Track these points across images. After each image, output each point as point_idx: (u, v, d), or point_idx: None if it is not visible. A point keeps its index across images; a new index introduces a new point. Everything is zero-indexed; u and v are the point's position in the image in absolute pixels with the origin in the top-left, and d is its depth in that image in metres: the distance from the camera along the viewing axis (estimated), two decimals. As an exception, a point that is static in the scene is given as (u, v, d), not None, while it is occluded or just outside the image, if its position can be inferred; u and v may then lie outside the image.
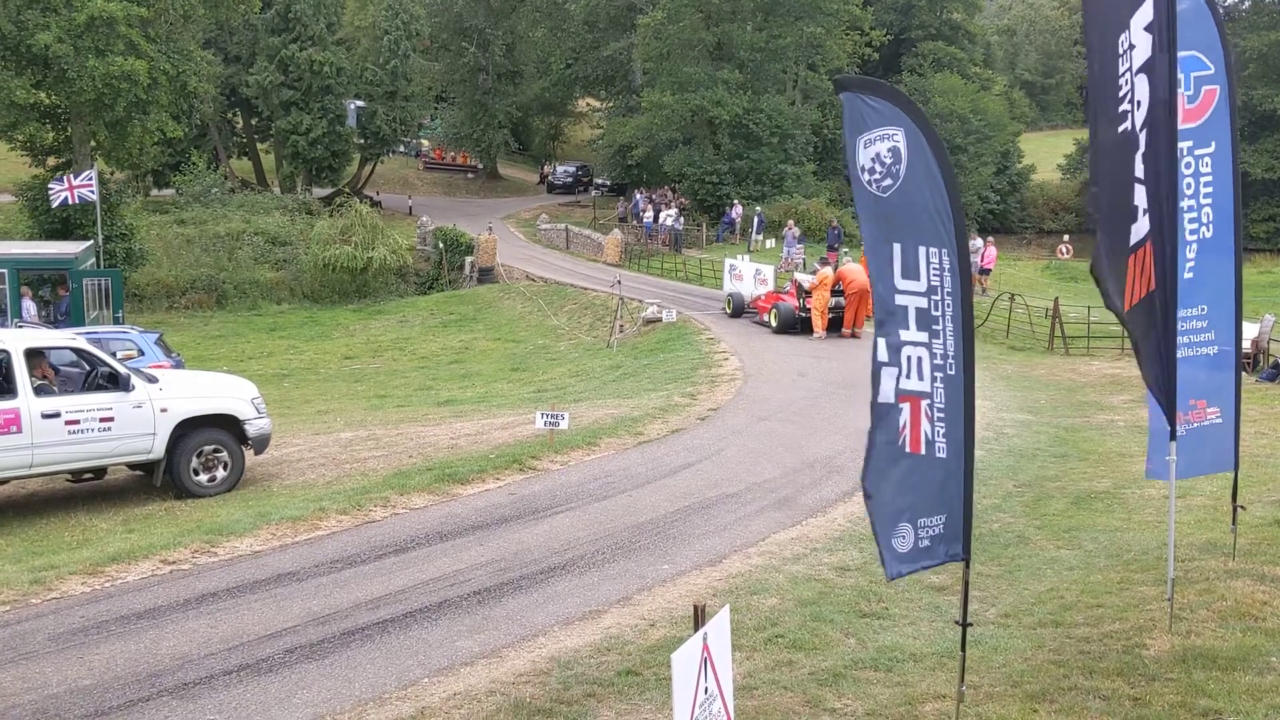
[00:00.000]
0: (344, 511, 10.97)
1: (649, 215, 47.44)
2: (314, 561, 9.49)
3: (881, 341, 5.50)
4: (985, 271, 32.09)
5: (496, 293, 38.93)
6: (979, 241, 32.75)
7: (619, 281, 30.02)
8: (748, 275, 30.76)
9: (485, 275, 41.59)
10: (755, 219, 43.46)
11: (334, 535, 10.33)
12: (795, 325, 24.41)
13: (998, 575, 8.78)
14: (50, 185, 29.85)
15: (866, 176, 5.42)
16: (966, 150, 51.34)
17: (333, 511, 10.94)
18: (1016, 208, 63.03)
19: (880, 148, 5.36)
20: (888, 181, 5.37)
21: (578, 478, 12.53)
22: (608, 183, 63.39)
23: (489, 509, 11.19)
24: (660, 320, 27.30)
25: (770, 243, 41.38)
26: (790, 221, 39.65)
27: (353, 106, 52.63)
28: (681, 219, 46.09)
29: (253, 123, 57.82)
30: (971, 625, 5.77)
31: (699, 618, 4.39)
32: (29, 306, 22.85)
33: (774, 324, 24.89)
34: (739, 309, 27.56)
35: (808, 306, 24.29)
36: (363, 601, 8.47)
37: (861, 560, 9.34)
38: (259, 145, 59.35)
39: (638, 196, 52.73)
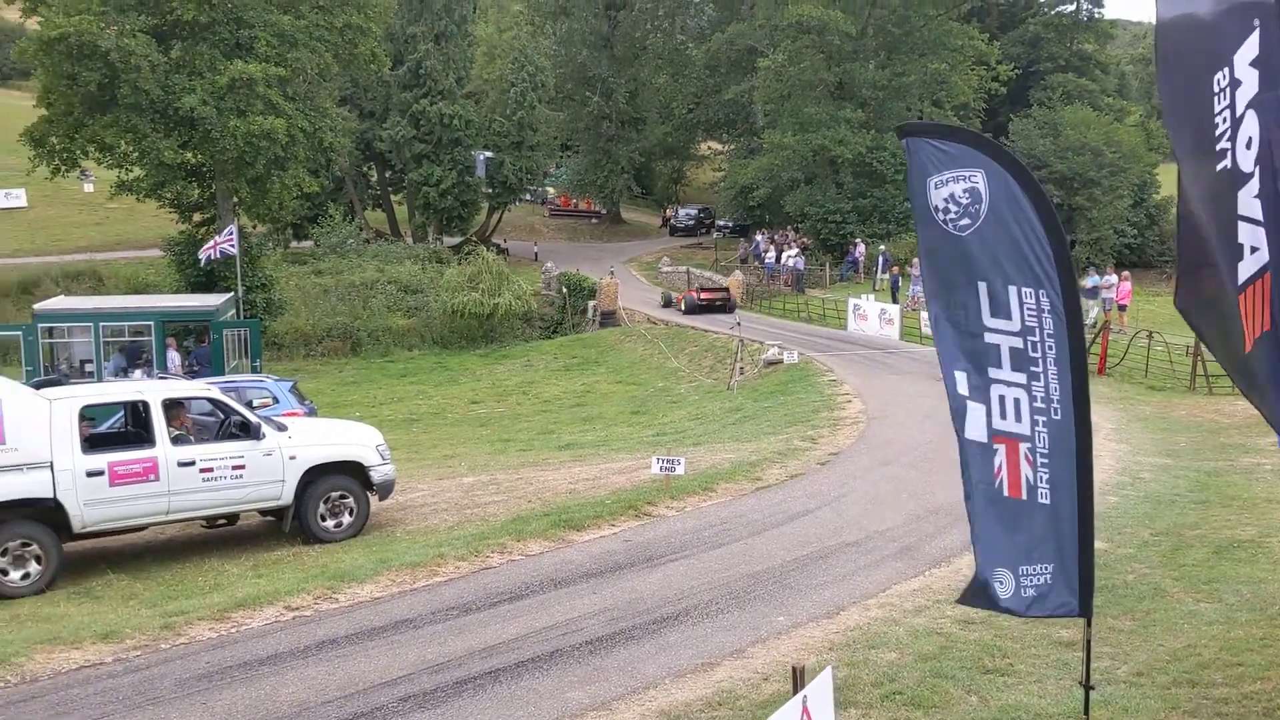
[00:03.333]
0: (462, 558, 11.09)
1: (771, 256, 47.24)
2: (431, 608, 9.60)
3: (962, 376, 5.39)
4: (1122, 308, 30.95)
5: (618, 336, 39.21)
6: (1113, 277, 31.63)
7: (739, 323, 29.92)
8: (873, 315, 30.33)
9: (607, 319, 41.94)
10: (880, 258, 42.88)
11: (452, 582, 10.45)
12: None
13: (1131, 630, 8.35)
14: (204, 250, 31.27)
15: (941, 216, 5.40)
16: (1100, 184, 49.75)
17: (451, 558, 11.07)
18: (1155, 241, 60.74)
19: (955, 188, 5.31)
20: (965, 221, 5.30)
21: (693, 524, 12.43)
22: (729, 224, 63.46)
23: (604, 556, 11.18)
24: (781, 362, 27.08)
25: (883, 276, 40.77)
26: (915, 259, 38.97)
27: (481, 157, 53.95)
28: (803, 259, 45.77)
29: (386, 175, 59.74)
30: (1094, 687, 5.48)
31: (798, 680, 4.26)
32: (173, 357, 23.91)
33: None
34: None
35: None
36: (476, 650, 8.52)
37: (986, 613, 8.99)
38: (392, 197, 61.27)
39: (759, 237, 52.58)
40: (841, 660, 8.04)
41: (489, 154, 54.42)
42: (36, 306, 25.89)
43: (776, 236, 51.57)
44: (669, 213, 70.75)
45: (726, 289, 41.22)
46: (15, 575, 11.47)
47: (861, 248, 46.07)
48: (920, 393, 21.66)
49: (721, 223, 64.50)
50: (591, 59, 60.81)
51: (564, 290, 44.94)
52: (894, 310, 31.25)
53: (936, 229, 5.42)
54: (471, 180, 53.97)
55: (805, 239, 50.98)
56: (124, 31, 33.23)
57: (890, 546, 11.48)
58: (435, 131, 52.65)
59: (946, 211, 5.36)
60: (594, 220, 68.94)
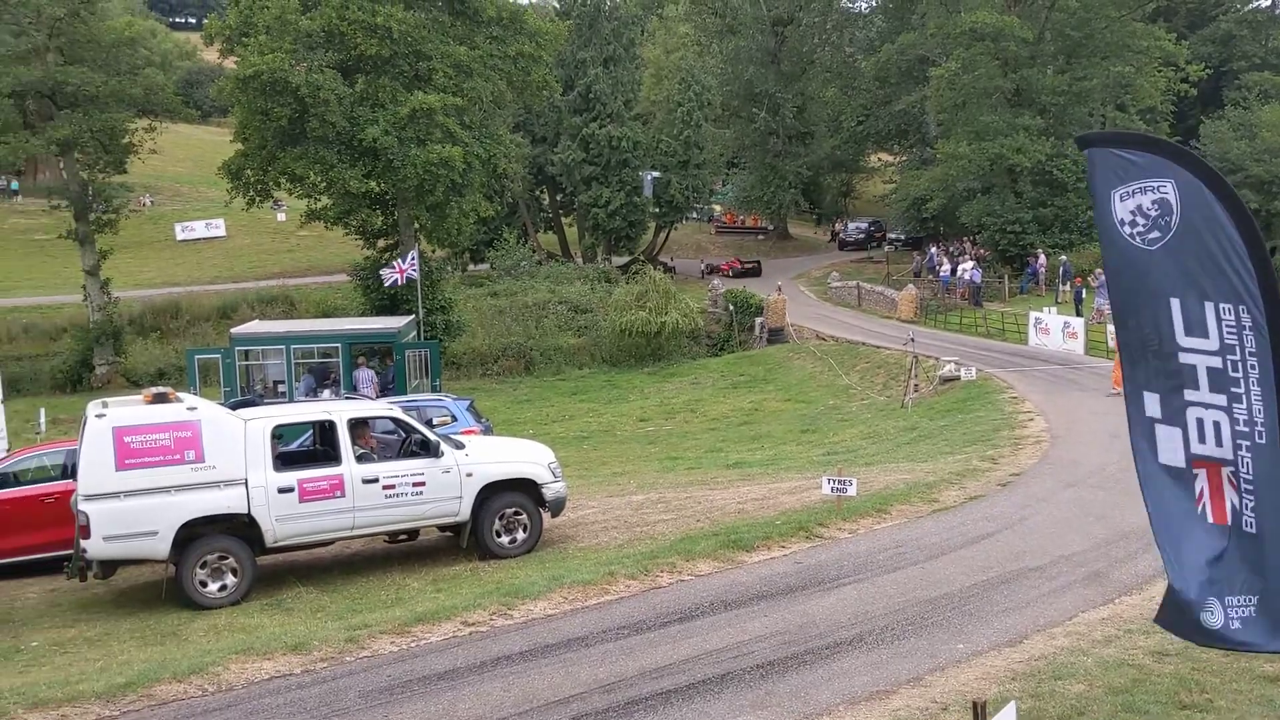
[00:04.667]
0: (632, 576, 11.12)
1: (945, 268, 46.07)
2: (602, 627, 9.65)
3: (1151, 398, 5.07)
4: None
5: (786, 353, 38.87)
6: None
7: (913, 339, 29.21)
8: (1055, 329, 29.16)
9: (775, 335, 41.65)
10: (1061, 269, 41.23)
11: (622, 600, 10.48)
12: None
13: (1348, 669, 7.70)
14: (383, 270, 32.57)
15: (1128, 230, 5.08)
16: (1307, 187, 46.73)
17: (621, 576, 11.11)
18: (1367, 244, 56.62)
19: (1142, 200, 4.99)
20: (1154, 234, 4.98)
21: (867, 547, 12.14)
22: (902, 237, 62.26)
23: (774, 578, 11.03)
24: (958, 378, 26.28)
25: (1065, 288, 39.16)
26: (1099, 270, 37.31)
27: (649, 177, 54.56)
28: (980, 271, 44.43)
29: (557, 198, 61.03)
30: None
31: (980, 714, 4.07)
32: (368, 376, 24.87)
33: None
34: None
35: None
36: (648, 670, 8.51)
37: (1182, 644, 8.45)
38: (563, 219, 62.56)
39: (933, 250, 51.35)
40: (1025, 691, 7.68)
41: (656, 174, 54.96)
42: (233, 330, 27.41)
43: (951, 248, 50.27)
44: (838, 227, 69.93)
45: (757, 261, 40.35)
46: (213, 587, 12.12)
47: (1042, 259, 44.42)
48: (1107, 410, 20.63)
49: (893, 236, 63.35)
50: (758, 75, 60.74)
51: (731, 307, 44.88)
52: (1078, 324, 29.96)
53: (1122, 244, 5.13)
54: (639, 200, 54.61)
55: (982, 250, 49.52)
56: (312, 68, 35.01)
57: (1077, 572, 10.94)
58: (604, 154, 53.52)
59: (1133, 225, 5.07)
60: (761, 236, 68.72)
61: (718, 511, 14.76)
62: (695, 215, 67.01)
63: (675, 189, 55.57)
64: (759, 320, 43.13)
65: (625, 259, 56.44)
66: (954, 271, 45.09)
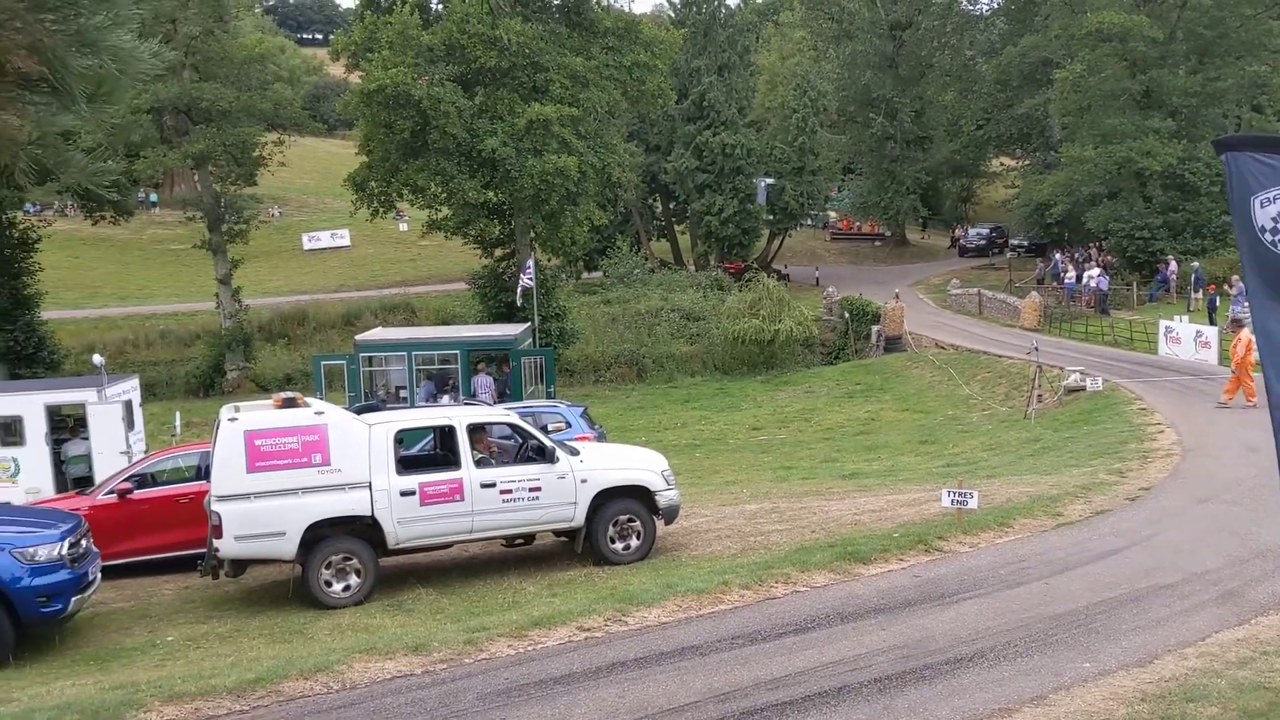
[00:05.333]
0: (746, 586, 11.07)
1: (1070, 275, 44.75)
2: (716, 636, 9.63)
3: None
4: None
5: (904, 361, 38.24)
6: None
7: (1037, 347, 28.44)
8: (1187, 338, 28.11)
9: (892, 344, 41.02)
10: (1193, 275, 39.67)
11: (736, 610, 10.44)
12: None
13: None
14: (521, 283, 33.09)
15: (1269, 237, 4.86)
16: None
17: (735, 585, 11.07)
18: None
19: None
20: None
21: (988, 561, 11.86)
22: (1024, 243, 60.74)
23: (891, 591, 10.85)
24: (1084, 389, 25.49)
25: (1197, 296, 37.65)
26: (1234, 277, 35.79)
27: (762, 184, 54.35)
28: (1107, 278, 43.04)
29: (670, 206, 61.22)
30: None
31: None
32: (487, 382, 25.32)
33: None
34: None
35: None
36: (763, 680, 8.45)
37: (1326, 670, 8.07)
38: (676, 227, 62.70)
39: (1057, 256, 49.95)
40: (1155, 714, 7.42)
41: (770, 180, 54.72)
42: (358, 337, 28.20)
43: (1076, 255, 48.83)
44: (958, 233, 68.61)
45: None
46: (337, 587, 12.47)
47: (1173, 265, 42.80)
48: (1243, 422, 19.78)
49: (1015, 242, 61.87)
50: (875, 80, 60.01)
51: (846, 315, 44.38)
52: (1211, 333, 28.76)
53: (1264, 251, 4.91)
54: (753, 207, 54.45)
55: (1108, 257, 47.99)
56: (434, 81, 35.82)
57: (1210, 591, 10.51)
58: (717, 161, 53.51)
59: (1275, 232, 4.85)
60: (878, 243, 67.82)
61: (833, 523, 14.60)
62: (810, 222, 66.46)
63: (789, 195, 55.25)
64: (875, 328, 42.54)
65: (738, 266, 56.35)
66: (1079, 279, 43.77)
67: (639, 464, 14.25)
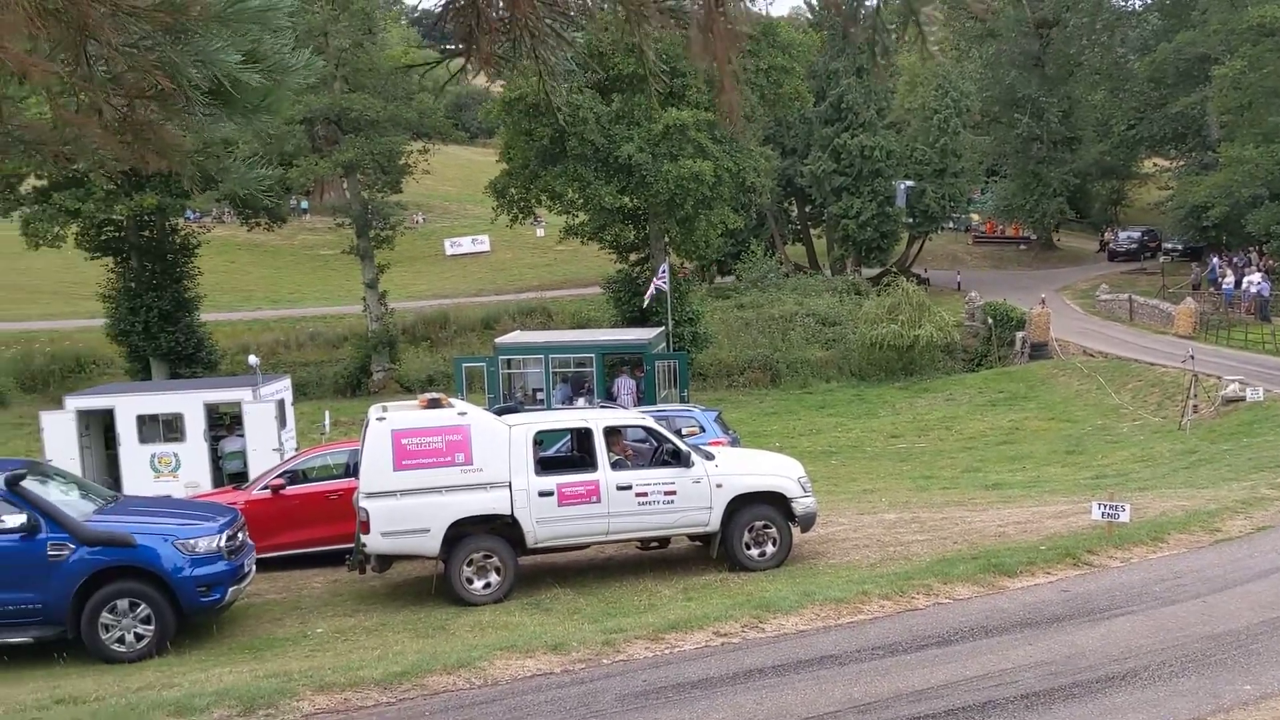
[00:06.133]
0: (886, 596, 10.88)
1: (1228, 280, 42.71)
2: (855, 646, 9.49)
3: None
4: None
5: (1050, 369, 37.05)
6: None
7: (1192, 355, 27.21)
8: (1356, 347, 26.48)
9: (1037, 351, 39.77)
10: (1365, 281, 37.47)
11: (876, 620, 10.27)
12: None
13: None
14: (653, 287, 33.32)
15: None
16: None
17: (875, 595, 10.89)
18: None
19: None
20: None
21: (1140, 577, 11.39)
22: (1179, 246, 58.16)
23: (1038, 605, 10.51)
24: (1243, 399, 24.29)
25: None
26: None
27: (902, 187, 53.37)
28: (1269, 283, 40.92)
29: (806, 210, 60.64)
30: None
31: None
32: (629, 385, 25.54)
33: None
34: None
35: None
36: (903, 693, 8.29)
37: None
38: (811, 230, 62.08)
39: (1214, 260, 47.74)
40: (1328, 746, 7.00)
41: (910, 183, 53.68)
42: (497, 340, 28.78)
43: (1235, 259, 46.55)
44: (1107, 236, 66.18)
45: None
46: (478, 584, 12.73)
47: (1342, 270, 40.50)
48: None
49: (1169, 245, 59.31)
50: (1021, 79, 58.29)
51: (989, 321, 43.22)
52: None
53: None
54: (891, 210, 53.50)
55: (1271, 261, 45.61)
56: (573, 88, 36.29)
57: (1388, 616, 9.88)
58: (855, 164, 52.79)
59: None
60: (1022, 246, 65.87)
61: (976, 534, 14.24)
62: (951, 225, 64.96)
63: (930, 198, 54.10)
64: (1020, 335, 41.32)
65: (876, 270, 55.45)
66: (1238, 284, 41.77)
67: (775, 470, 14.16)
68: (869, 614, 10.45)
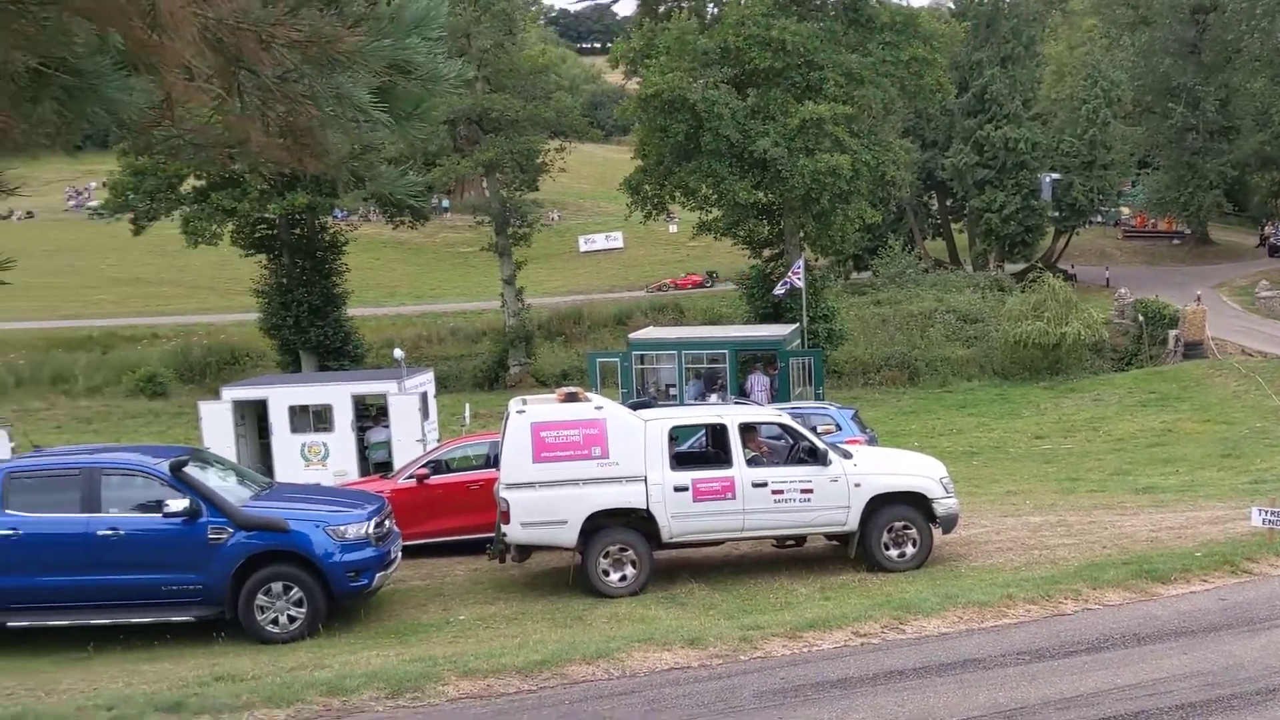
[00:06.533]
0: (1032, 601, 10.58)
1: (1404, 277, 40.18)
2: (1000, 650, 9.26)
3: None
4: None
5: (1205, 369, 35.42)
6: None
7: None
8: None
9: (1192, 350, 38.07)
10: None
11: (1021, 625, 10.01)
12: None
13: None
14: (779, 287, 33.15)
15: None
16: None
17: (1020, 599, 10.60)
18: None
19: None
20: None
21: (1307, 587, 10.82)
22: (1349, 241, 55.01)
23: (1193, 614, 10.08)
24: None
25: None
26: None
27: (1047, 180, 51.75)
28: None
29: (947, 203, 59.38)
30: None
31: None
32: (763, 381, 25.43)
33: None
34: None
35: None
36: (1051, 699, 8.05)
37: None
38: (952, 225, 60.74)
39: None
40: None
41: (1056, 175, 52.01)
42: (631, 336, 29.00)
43: None
44: (1267, 230, 62.91)
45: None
46: (614, 577, 12.84)
47: None
48: None
49: (1338, 240, 56.12)
50: (1175, 68, 55.83)
51: (1140, 319, 41.57)
52: None
53: None
54: (1036, 204, 51.96)
55: None
56: (709, 84, 36.29)
57: None
58: (999, 156, 51.44)
59: None
60: (1176, 241, 63.16)
61: (1126, 539, 13.72)
62: (1100, 219, 62.70)
63: (1078, 191, 52.32)
64: (1173, 333, 39.63)
65: (1020, 266, 53.94)
66: None
67: (916, 470, 13.90)
68: (1014, 618, 10.18)
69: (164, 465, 12.00)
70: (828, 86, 36.74)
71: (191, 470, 12.17)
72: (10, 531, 11.75)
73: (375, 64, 4.49)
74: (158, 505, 11.80)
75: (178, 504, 11.70)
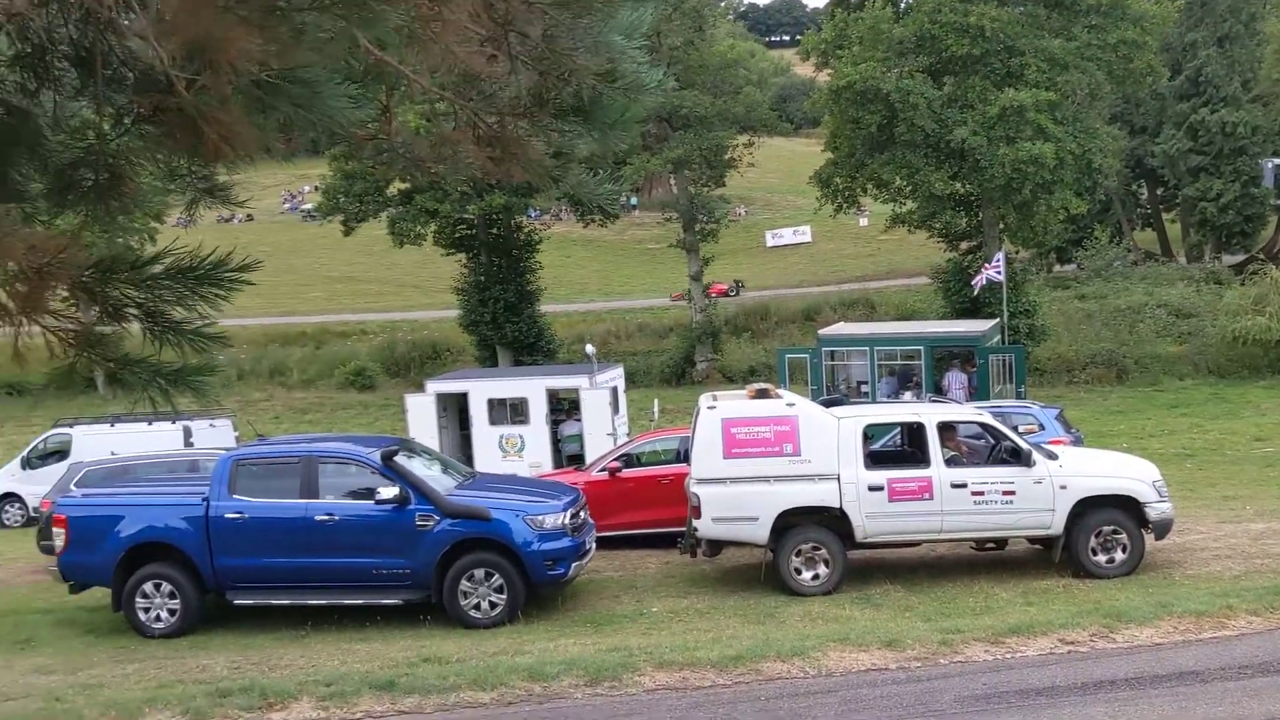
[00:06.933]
0: (1254, 612, 9.97)
1: None
2: (1220, 663, 8.75)
3: None
4: None
5: None
6: None
7: None
8: None
9: None
10: None
11: (1243, 637, 9.44)
12: None
13: None
14: (975, 280, 32.17)
15: None
16: None
17: (1241, 610, 10.00)
18: None
19: None
20: None
21: None
22: None
23: None
24: None
25: None
26: None
27: (1270, 166, 48.25)
28: None
29: (1158, 192, 56.34)
30: None
31: None
32: (960, 379, 24.76)
33: None
34: None
35: None
36: (1275, 716, 7.56)
37: None
38: (1164, 215, 57.58)
39: None
40: None
41: (1278, 161, 48.55)
42: (821, 332, 28.64)
43: None
44: None
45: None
46: (807, 575, 12.76)
47: None
48: None
49: None
50: None
51: (1380, 314, 38.32)
52: None
53: None
54: (1258, 192, 48.62)
55: None
56: (903, 73, 35.51)
57: None
58: (1215, 141, 48.42)
59: None
60: None
61: (1360, 549, 12.72)
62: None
63: (1330, 176, 48.68)
64: None
65: (1239, 258, 50.58)
66: None
67: (1126, 472, 13.27)
68: (1235, 629, 9.61)
69: (376, 455, 12.62)
70: (1029, 73, 35.37)
71: (401, 460, 12.75)
72: (237, 515, 12.61)
73: (585, 75, 4.62)
74: (370, 493, 12.43)
75: (388, 492, 12.29)
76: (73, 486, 16.42)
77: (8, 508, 24.27)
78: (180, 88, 3.15)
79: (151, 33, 3.14)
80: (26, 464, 24.48)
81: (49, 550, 14.91)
